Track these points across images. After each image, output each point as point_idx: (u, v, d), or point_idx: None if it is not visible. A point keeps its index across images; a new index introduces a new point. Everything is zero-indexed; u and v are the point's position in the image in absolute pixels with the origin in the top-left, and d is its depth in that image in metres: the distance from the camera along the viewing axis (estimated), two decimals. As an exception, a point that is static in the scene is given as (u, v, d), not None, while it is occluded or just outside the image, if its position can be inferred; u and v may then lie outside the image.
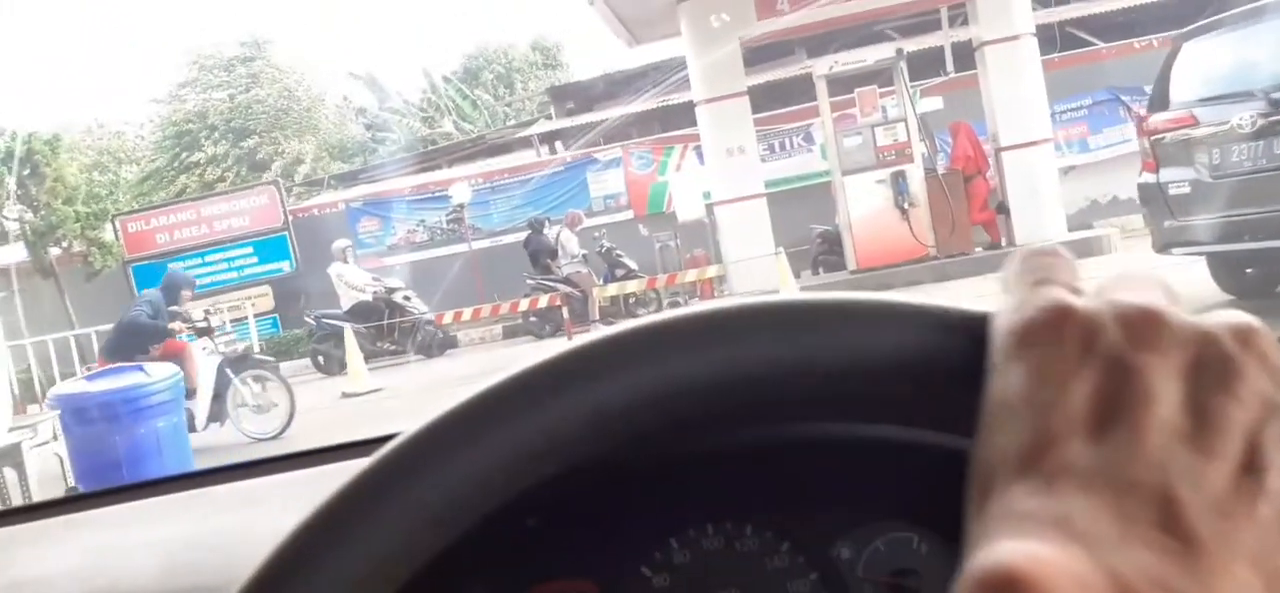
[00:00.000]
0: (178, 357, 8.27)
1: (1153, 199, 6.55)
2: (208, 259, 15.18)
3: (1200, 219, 6.06)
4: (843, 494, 0.91)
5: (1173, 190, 6.24)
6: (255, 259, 15.44)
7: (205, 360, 8.46)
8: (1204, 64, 6.39)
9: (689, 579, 0.92)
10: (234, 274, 15.30)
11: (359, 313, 12.30)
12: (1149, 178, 6.54)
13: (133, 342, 8.65)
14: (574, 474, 0.72)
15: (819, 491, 0.91)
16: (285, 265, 15.40)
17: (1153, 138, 6.49)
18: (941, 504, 0.88)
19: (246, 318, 12.31)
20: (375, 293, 12.61)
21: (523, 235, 14.29)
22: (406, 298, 12.89)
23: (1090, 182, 14.11)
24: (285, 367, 9.88)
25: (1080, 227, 12.24)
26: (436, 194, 16.63)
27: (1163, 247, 6.54)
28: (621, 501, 0.89)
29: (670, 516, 0.93)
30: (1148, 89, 14.54)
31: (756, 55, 14.01)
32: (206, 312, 10.35)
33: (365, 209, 17.00)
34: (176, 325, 8.85)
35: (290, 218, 15.88)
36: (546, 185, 16.61)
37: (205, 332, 8.75)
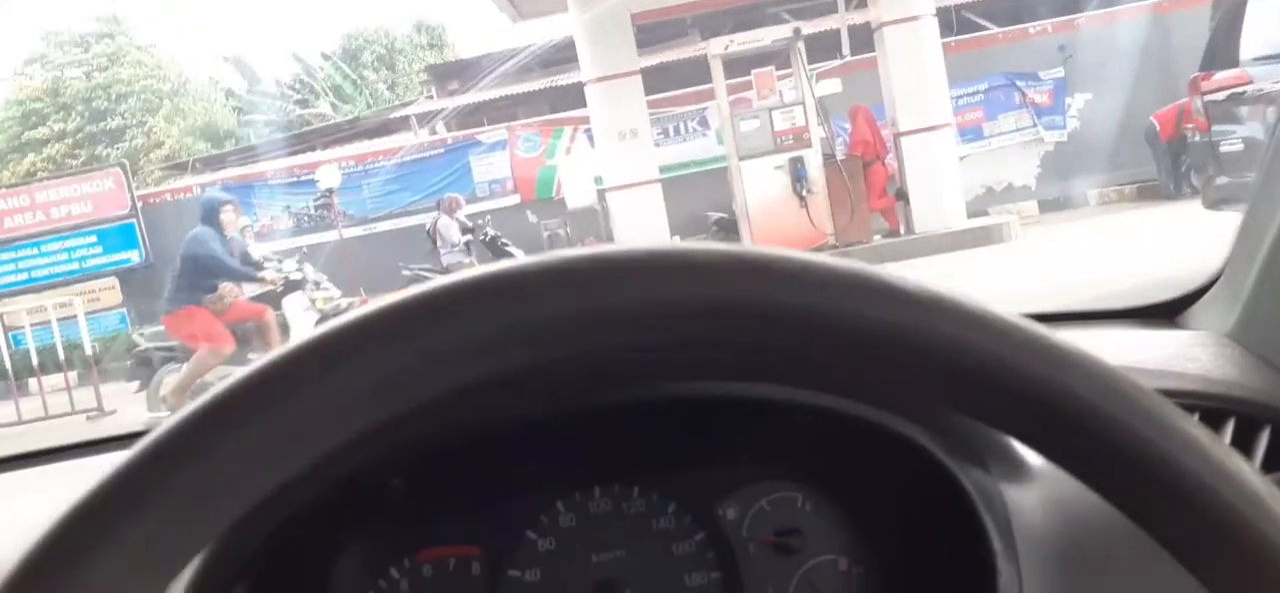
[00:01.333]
0: (254, 323, 7.56)
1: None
2: (45, 250, 14.40)
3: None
4: (728, 455, 0.96)
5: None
6: (99, 249, 14.72)
7: (305, 320, 7.64)
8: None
9: (576, 542, 0.96)
10: (75, 266, 14.56)
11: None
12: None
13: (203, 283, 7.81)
14: (452, 437, 0.75)
15: (704, 451, 0.96)
16: (134, 255, 14.75)
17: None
18: (825, 464, 0.94)
19: (75, 316, 11.49)
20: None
21: (400, 223, 14.04)
22: (316, 285, 12.41)
23: (986, 168, 14.73)
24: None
25: (977, 214, 12.76)
26: (303, 178, 16.19)
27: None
28: (506, 465, 0.92)
29: (556, 479, 0.96)
30: (1043, 74, 15.20)
31: (648, 34, 14.12)
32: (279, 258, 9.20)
33: (223, 193, 16.39)
34: (267, 275, 7.96)
35: (140, 204, 15.19)
36: (424, 169, 16.36)
37: (296, 285, 7.85)
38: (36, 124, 24.37)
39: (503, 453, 0.88)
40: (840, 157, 12.07)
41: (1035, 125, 14.84)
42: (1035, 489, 0.79)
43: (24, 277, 14.16)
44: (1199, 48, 7.83)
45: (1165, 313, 1.14)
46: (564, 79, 15.61)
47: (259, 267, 8.34)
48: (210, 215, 8.13)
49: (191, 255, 8.07)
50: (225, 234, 8.12)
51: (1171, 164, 11.62)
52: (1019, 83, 14.92)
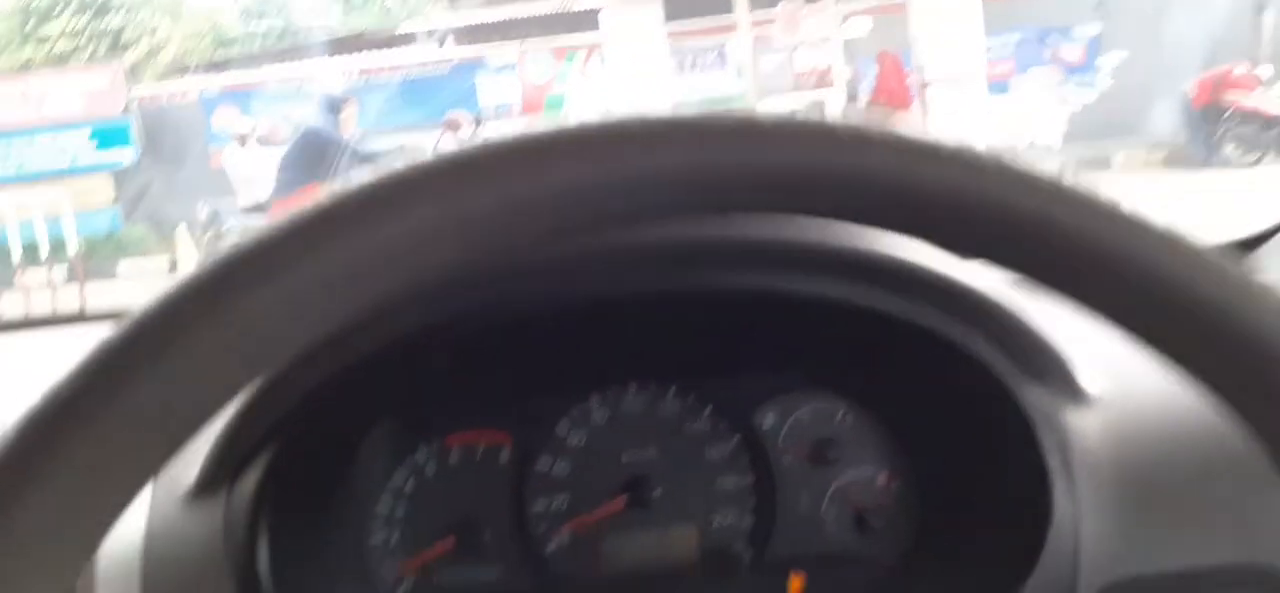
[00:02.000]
0: None
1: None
2: (38, 140, 14.32)
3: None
4: (768, 362, 0.95)
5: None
6: (93, 145, 14.65)
7: None
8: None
9: (606, 438, 0.96)
10: (67, 162, 14.50)
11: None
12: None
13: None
14: (491, 321, 0.74)
15: (744, 357, 0.96)
16: (126, 153, 14.67)
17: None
18: (871, 376, 0.93)
19: (59, 215, 11.24)
20: None
21: (401, 140, 13.94)
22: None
23: (1011, 124, 14.59)
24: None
25: (998, 171, 12.60)
26: (307, 87, 16.04)
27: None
28: (541, 354, 0.91)
29: (590, 373, 0.96)
30: (1077, 30, 14.98)
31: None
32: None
33: (222, 98, 16.28)
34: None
35: (137, 104, 15.08)
36: (429, 87, 16.22)
37: None
38: (46, 19, 24.06)
39: (538, 343, 0.88)
40: (863, 105, 11.95)
41: (1065, 82, 14.67)
42: (1096, 415, 0.78)
43: (13, 169, 14.10)
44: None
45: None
46: (579, 3, 15.40)
47: (371, 160, 8.41)
48: (331, 110, 8.24)
49: (309, 144, 8.16)
50: (342, 131, 8.24)
51: (1204, 131, 11.50)
52: (1051, 37, 14.73)
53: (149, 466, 0.33)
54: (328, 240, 0.34)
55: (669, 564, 0.93)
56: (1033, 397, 0.76)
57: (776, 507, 0.94)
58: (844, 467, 0.94)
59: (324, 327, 0.34)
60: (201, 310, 0.33)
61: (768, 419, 0.95)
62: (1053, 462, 0.75)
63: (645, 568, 0.93)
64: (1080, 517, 0.75)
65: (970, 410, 0.82)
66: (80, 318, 1.36)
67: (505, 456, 0.94)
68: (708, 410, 0.96)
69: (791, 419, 0.95)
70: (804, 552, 0.93)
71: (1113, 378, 0.81)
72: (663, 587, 0.91)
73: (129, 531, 0.73)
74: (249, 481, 0.74)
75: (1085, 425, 0.78)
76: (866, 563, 0.93)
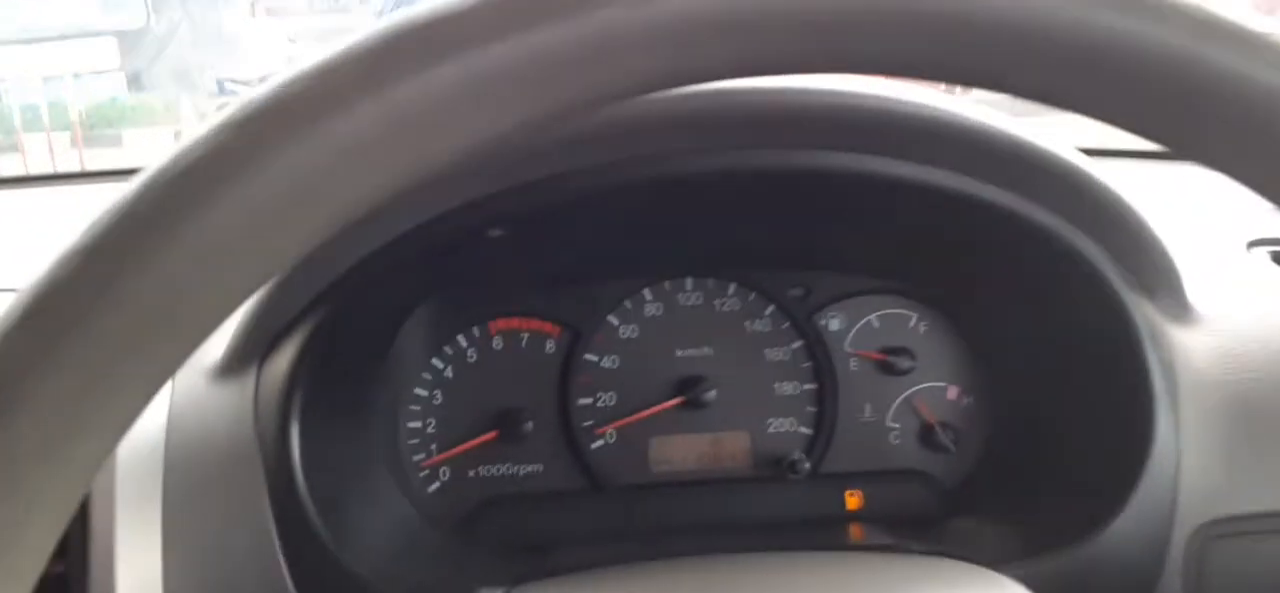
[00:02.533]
0: None
1: None
2: None
3: None
4: (839, 260, 0.89)
5: None
6: (99, 6, 14.38)
7: None
8: None
9: (660, 333, 0.90)
10: (71, 24, 14.25)
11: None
12: None
13: None
14: (543, 202, 0.68)
15: (813, 253, 0.89)
16: (136, 17, 14.42)
17: None
18: (949, 280, 0.87)
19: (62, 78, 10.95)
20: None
21: None
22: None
23: None
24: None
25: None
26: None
27: None
28: (595, 241, 0.85)
29: (646, 264, 0.90)
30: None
31: None
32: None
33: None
34: None
35: (142, -37, 14.78)
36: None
37: None
38: None
39: (592, 229, 0.82)
40: None
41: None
42: (1205, 335, 0.72)
43: (15, 30, 13.88)
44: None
45: None
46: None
47: None
48: None
49: None
50: None
51: None
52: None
53: (185, 335, 0.27)
54: (394, 79, 0.27)
55: (719, 471, 0.88)
56: (1141, 309, 0.70)
57: (837, 416, 0.89)
58: (915, 378, 0.89)
59: (381, 189, 0.28)
60: (247, 155, 0.26)
61: (834, 323, 0.90)
62: (1157, 383, 0.69)
63: (694, 473, 0.88)
64: (1182, 447, 0.69)
65: (1063, 321, 0.77)
66: (82, 177, 1.29)
67: (552, 346, 0.88)
68: (770, 310, 0.90)
69: (860, 324, 0.90)
70: (864, 466, 0.88)
71: (1223, 297, 0.75)
72: (711, 494, 0.87)
73: (151, 410, 0.68)
74: (281, 359, 0.69)
75: (1194, 346, 0.72)
76: (930, 482, 0.88)
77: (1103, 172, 0.67)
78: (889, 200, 0.73)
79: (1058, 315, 0.76)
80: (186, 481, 0.66)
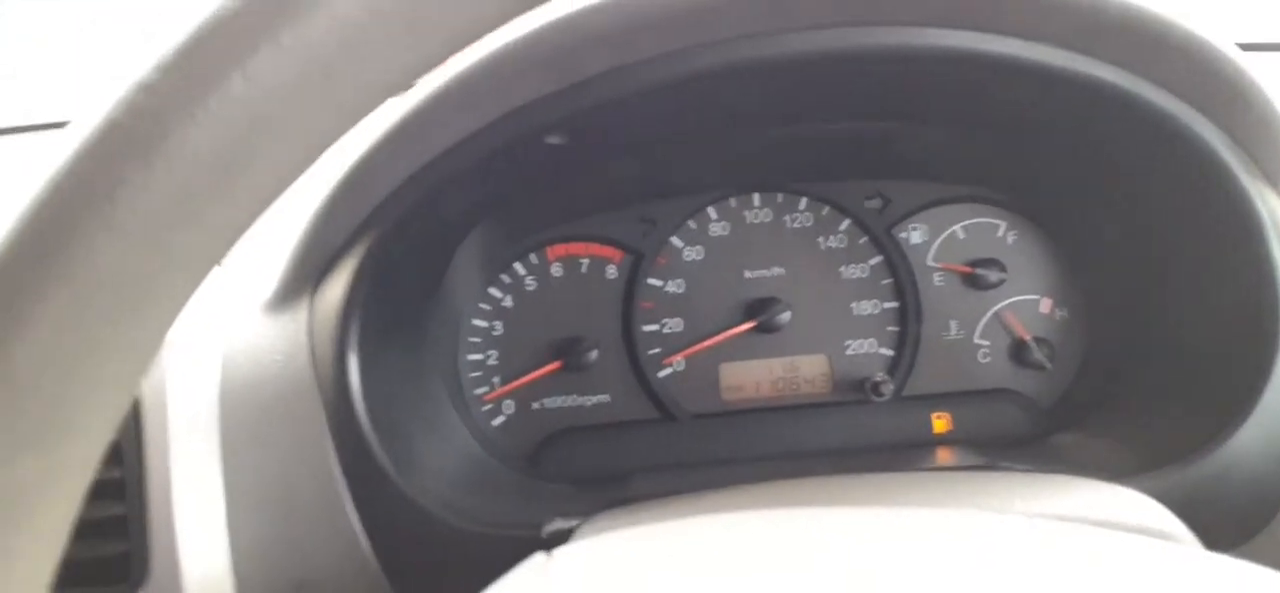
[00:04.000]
0: None
1: None
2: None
3: None
4: (921, 167, 0.84)
5: None
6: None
7: None
8: None
9: (727, 254, 0.86)
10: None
11: None
12: None
13: None
14: (606, 96, 0.63)
15: (892, 162, 0.84)
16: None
17: None
18: (1042, 184, 0.81)
19: None
20: None
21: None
22: None
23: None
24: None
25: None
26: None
27: None
28: (658, 152, 0.81)
29: (712, 180, 0.86)
30: None
31: None
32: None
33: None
34: None
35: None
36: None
37: None
38: None
39: (654, 136, 0.77)
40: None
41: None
42: None
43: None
44: None
45: None
46: None
47: None
48: None
49: None
50: None
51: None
52: None
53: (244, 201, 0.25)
54: None
55: (796, 397, 0.84)
56: (1265, 200, 0.64)
57: (921, 335, 0.84)
58: (1005, 292, 0.84)
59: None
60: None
61: (915, 235, 0.85)
62: None
63: (769, 400, 0.84)
64: None
65: (1175, 219, 0.71)
66: None
67: (614, 271, 0.85)
68: (845, 224, 0.85)
69: (944, 235, 0.85)
70: (951, 387, 0.84)
71: None
72: (790, 422, 0.83)
73: (204, 345, 0.66)
74: (335, 287, 0.65)
75: None
76: (1024, 402, 0.83)
77: (1230, 46, 0.61)
78: (984, 86, 0.67)
79: (1168, 212, 0.71)
80: (244, 416, 0.63)
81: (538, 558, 0.34)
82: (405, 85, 0.28)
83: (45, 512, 0.25)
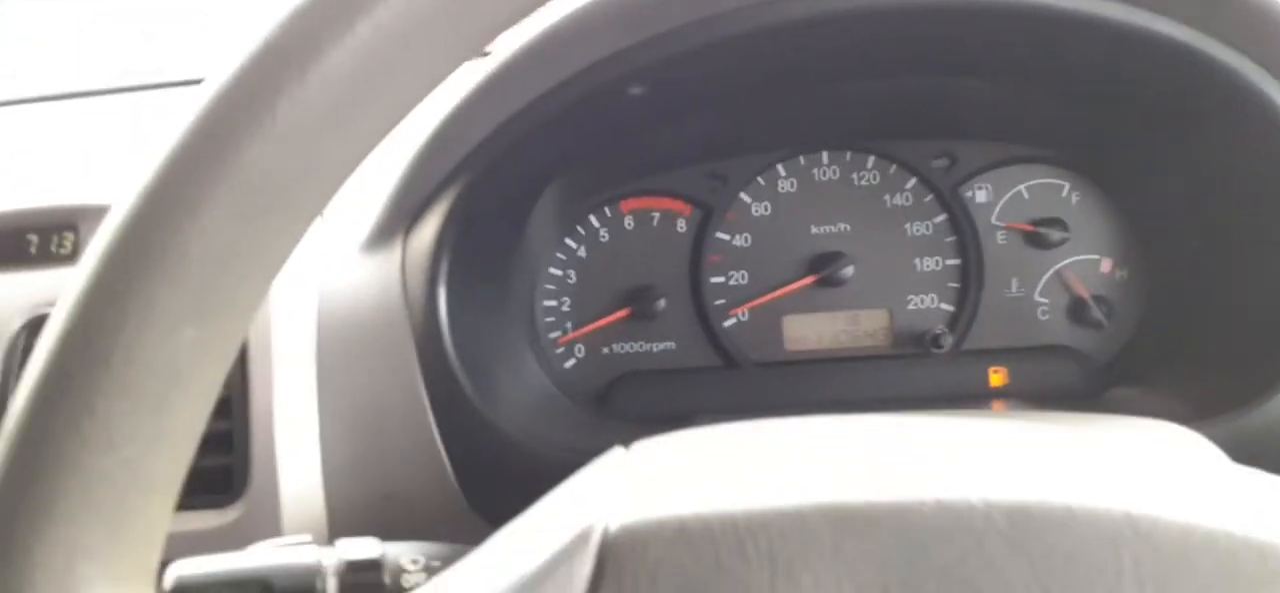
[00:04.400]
0: None
1: None
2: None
3: None
4: (987, 126, 0.86)
5: None
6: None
7: None
8: None
9: (794, 209, 0.88)
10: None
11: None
12: None
13: None
14: (687, 46, 0.66)
15: (963, 118, 0.86)
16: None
17: None
18: (1107, 144, 0.83)
19: None
20: None
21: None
22: None
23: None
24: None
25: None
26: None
27: None
28: (733, 107, 0.84)
29: (782, 137, 0.89)
30: None
31: None
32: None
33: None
34: None
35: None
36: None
37: None
38: None
39: (731, 91, 0.81)
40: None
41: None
42: None
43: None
44: None
45: None
46: None
47: None
48: None
49: None
50: None
51: None
52: None
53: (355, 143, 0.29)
54: None
55: (857, 349, 0.87)
56: None
57: (983, 291, 0.86)
58: (1067, 251, 0.86)
59: None
60: None
61: (980, 194, 0.87)
62: None
63: (831, 352, 0.87)
64: None
65: (1236, 178, 0.72)
66: None
67: (682, 225, 0.88)
68: (911, 183, 0.88)
69: (1008, 195, 0.87)
70: (1009, 342, 0.86)
71: None
72: (850, 373, 0.86)
73: (306, 282, 0.71)
74: (427, 229, 0.70)
75: None
76: (1080, 358, 0.85)
77: None
78: (1044, 41, 0.69)
79: (1230, 173, 0.72)
80: (339, 346, 0.68)
81: (616, 450, 0.37)
82: (526, 13, 0.32)
83: (198, 376, 0.29)
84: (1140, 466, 0.32)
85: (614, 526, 0.29)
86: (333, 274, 0.71)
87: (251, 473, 0.66)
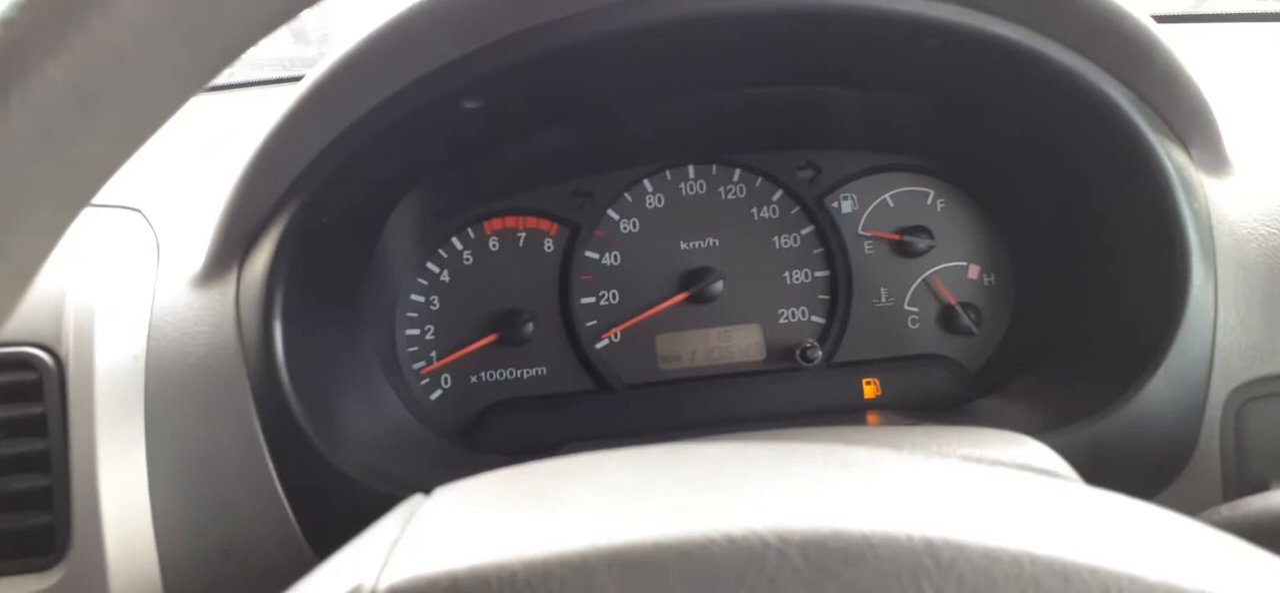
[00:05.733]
0: None
1: None
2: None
3: None
4: (850, 138, 0.85)
5: None
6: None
7: None
8: None
9: (662, 225, 0.86)
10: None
11: None
12: None
13: None
14: (517, 57, 0.63)
15: (822, 132, 0.85)
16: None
17: None
18: (969, 151, 0.82)
19: None
20: None
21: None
22: None
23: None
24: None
25: None
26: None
27: None
28: (590, 135, 0.82)
29: (645, 152, 0.87)
30: None
31: None
32: None
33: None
34: None
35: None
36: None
37: None
38: None
39: (586, 121, 0.78)
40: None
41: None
42: (1242, 187, 0.68)
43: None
44: None
45: None
46: None
47: None
48: None
49: None
50: None
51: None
52: None
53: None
54: None
55: (730, 365, 0.85)
56: (1172, 157, 0.66)
57: (852, 302, 0.86)
58: (932, 258, 0.85)
59: None
60: None
61: (846, 204, 0.86)
62: (1191, 236, 0.65)
63: (704, 369, 0.85)
64: (1219, 303, 0.66)
65: (1089, 180, 0.72)
66: None
67: (549, 245, 0.86)
68: (778, 195, 0.87)
69: (874, 204, 0.86)
70: (881, 353, 0.85)
71: (1264, 148, 0.71)
72: (723, 388, 0.84)
73: (133, 318, 0.66)
74: (260, 258, 0.66)
75: (1231, 198, 0.68)
76: (952, 366, 0.85)
77: (1130, 4, 0.62)
78: (886, 46, 0.68)
79: (1083, 175, 0.72)
80: (168, 388, 0.64)
81: (415, 497, 0.35)
82: (276, 24, 0.29)
83: None
84: (959, 487, 0.30)
85: (382, 588, 0.26)
86: (163, 310, 0.66)
87: (73, 532, 0.60)
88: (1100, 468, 0.56)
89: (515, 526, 0.28)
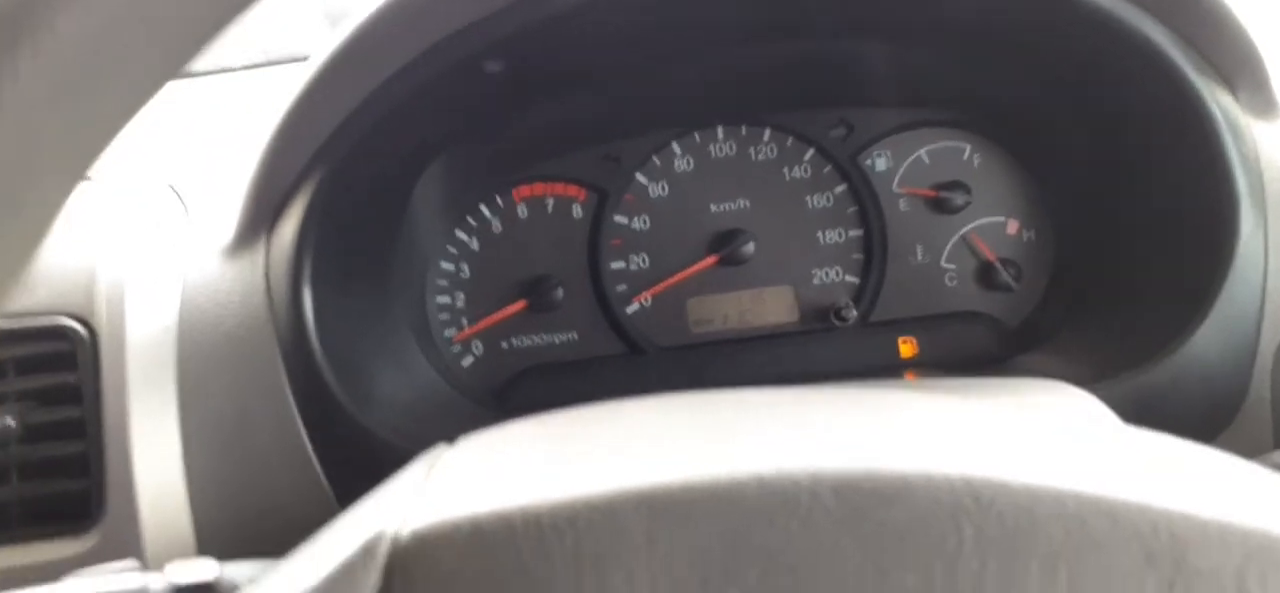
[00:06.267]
0: None
1: None
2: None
3: None
4: (884, 93, 0.83)
5: None
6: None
7: None
8: None
9: (692, 188, 0.85)
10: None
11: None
12: None
13: None
14: (533, 17, 0.62)
15: (854, 88, 0.84)
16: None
17: None
18: (1007, 104, 0.80)
19: None
20: None
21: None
22: None
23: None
24: None
25: None
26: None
27: None
28: (617, 98, 0.80)
29: (674, 114, 0.85)
30: None
31: None
32: None
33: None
34: None
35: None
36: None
37: None
38: None
39: (613, 84, 0.77)
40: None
41: None
42: None
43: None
44: None
45: None
46: None
47: None
48: None
49: None
50: None
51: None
52: None
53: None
54: None
55: (763, 327, 0.84)
56: (1218, 100, 0.64)
57: (888, 261, 0.84)
58: (971, 215, 0.84)
59: None
60: None
61: (880, 162, 0.85)
62: (1239, 181, 0.63)
63: (737, 332, 0.84)
64: (1270, 250, 0.64)
65: (1132, 126, 0.70)
66: None
67: (577, 210, 0.85)
68: (809, 154, 0.85)
69: (908, 161, 0.84)
70: (918, 311, 0.84)
71: None
72: (756, 350, 0.83)
73: (164, 288, 0.66)
74: (288, 225, 0.66)
75: (1276, 140, 0.66)
76: (991, 323, 0.83)
77: None
78: (921, 34, 0.66)
79: (1124, 122, 0.70)
80: (200, 355, 0.64)
81: (439, 446, 0.34)
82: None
83: None
84: (998, 429, 0.29)
85: (405, 532, 0.26)
86: (194, 278, 0.66)
87: (107, 497, 0.61)
88: (1146, 419, 0.54)
89: (540, 470, 0.28)
